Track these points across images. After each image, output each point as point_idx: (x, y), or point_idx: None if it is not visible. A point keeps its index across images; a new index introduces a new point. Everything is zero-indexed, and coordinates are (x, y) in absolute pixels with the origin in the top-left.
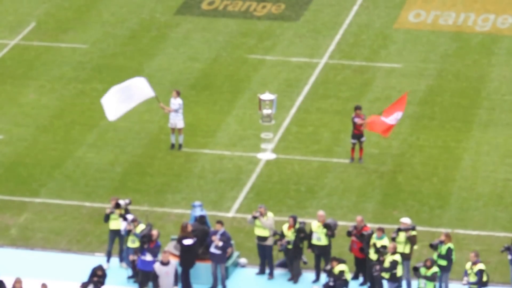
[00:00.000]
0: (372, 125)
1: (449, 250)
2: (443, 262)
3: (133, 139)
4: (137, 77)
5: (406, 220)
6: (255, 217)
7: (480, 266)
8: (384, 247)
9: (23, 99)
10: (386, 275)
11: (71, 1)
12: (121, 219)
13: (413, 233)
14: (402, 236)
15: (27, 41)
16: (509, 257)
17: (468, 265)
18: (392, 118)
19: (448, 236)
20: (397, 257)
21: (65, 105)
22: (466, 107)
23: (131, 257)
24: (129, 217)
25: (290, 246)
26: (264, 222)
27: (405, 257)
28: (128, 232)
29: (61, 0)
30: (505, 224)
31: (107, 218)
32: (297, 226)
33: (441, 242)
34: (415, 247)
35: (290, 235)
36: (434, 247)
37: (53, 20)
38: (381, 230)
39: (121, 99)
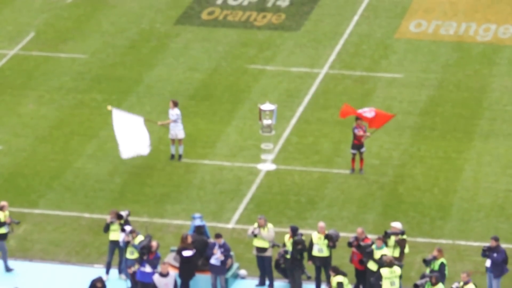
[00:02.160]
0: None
1: (442, 265)
2: None
3: None
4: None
5: (396, 225)
6: (255, 235)
7: (471, 286)
8: (381, 258)
9: (22, 110)
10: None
11: (70, 11)
12: (120, 230)
13: (402, 237)
14: (391, 240)
15: (26, 51)
16: (487, 264)
17: (455, 284)
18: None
19: (441, 251)
20: (384, 271)
21: (64, 115)
22: (467, 118)
23: (131, 268)
24: (127, 228)
25: (288, 256)
26: (264, 236)
27: (396, 260)
28: (127, 244)
29: (61, 10)
30: (507, 235)
31: (107, 228)
32: (295, 237)
33: (434, 258)
34: (407, 250)
35: (289, 245)
36: (427, 262)
37: (52, 30)
38: (381, 240)
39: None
